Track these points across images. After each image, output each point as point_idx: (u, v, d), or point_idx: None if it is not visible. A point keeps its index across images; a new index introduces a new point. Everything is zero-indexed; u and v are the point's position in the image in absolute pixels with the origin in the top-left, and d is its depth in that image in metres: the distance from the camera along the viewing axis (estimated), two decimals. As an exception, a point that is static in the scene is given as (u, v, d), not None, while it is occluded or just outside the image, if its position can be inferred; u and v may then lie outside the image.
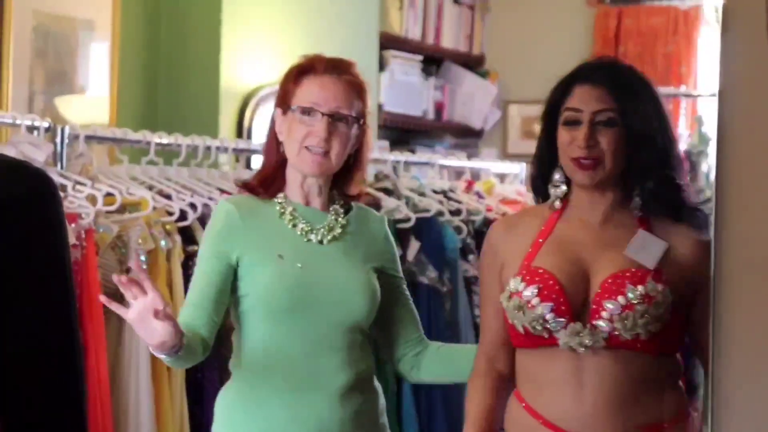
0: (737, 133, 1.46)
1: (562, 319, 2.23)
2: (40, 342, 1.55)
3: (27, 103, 4.03)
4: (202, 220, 3.28)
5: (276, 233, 2.49)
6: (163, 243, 3.13)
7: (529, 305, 2.23)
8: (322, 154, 2.45)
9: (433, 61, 6.38)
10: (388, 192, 4.09)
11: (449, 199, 4.34)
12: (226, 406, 2.53)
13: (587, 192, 2.31)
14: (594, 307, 2.23)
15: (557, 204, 2.34)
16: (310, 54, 2.57)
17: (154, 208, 3.15)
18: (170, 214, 3.21)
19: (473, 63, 6.65)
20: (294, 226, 2.50)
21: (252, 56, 4.77)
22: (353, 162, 2.54)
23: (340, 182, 2.55)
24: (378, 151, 5.06)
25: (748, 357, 1.44)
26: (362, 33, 5.47)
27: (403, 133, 6.09)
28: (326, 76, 2.48)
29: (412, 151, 5.40)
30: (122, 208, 3.13)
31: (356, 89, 2.50)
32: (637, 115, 2.28)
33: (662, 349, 2.27)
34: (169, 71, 4.65)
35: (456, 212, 4.27)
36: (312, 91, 2.47)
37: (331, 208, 2.54)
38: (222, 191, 3.46)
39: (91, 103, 4.34)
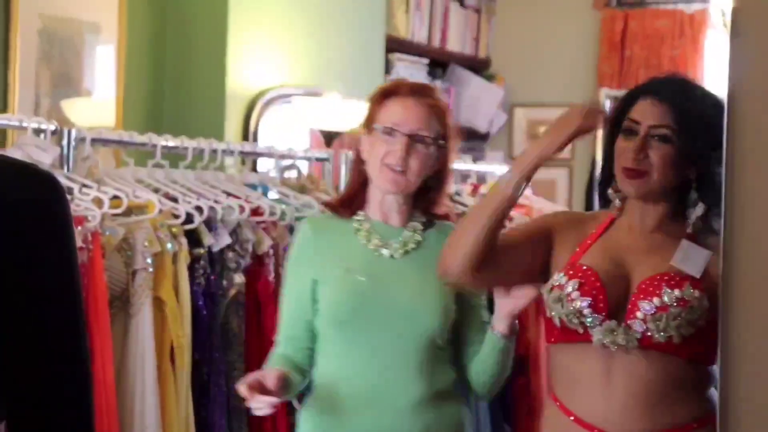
0: (746, 137, 1.45)
1: (599, 316, 2.28)
2: (47, 344, 1.55)
3: (33, 105, 4.04)
4: (208, 223, 3.28)
5: (348, 249, 2.61)
6: (169, 246, 3.12)
7: (569, 298, 2.29)
8: (400, 172, 2.57)
9: (439, 64, 6.38)
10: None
11: (455, 202, 4.34)
12: (304, 417, 2.65)
13: (639, 201, 2.38)
14: (630, 306, 2.29)
15: (614, 209, 2.42)
16: (396, 79, 2.74)
17: (161, 211, 3.15)
18: (176, 216, 3.20)
19: (479, 66, 6.65)
20: (368, 241, 2.62)
21: (258, 59, 4.77)
22: (434, 182, 2.65)
23: (424, 201, 2.66)
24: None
25: (757, 357, 1.43)
26: (368, 36, 5.47)
27: (409, 136, 6.09)
28: (408, 99, 2.60)
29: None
30: (128, 211, 3.12)
31: (437, 112, 2.61)
32: (694, 137, 2.31)
33: (695, 356, 2.31)
34: (175, 74, 4.66)
35: (462, 215, 4.26)
36: (394, 112, 2.59)
37: (409, 224, 2.65)
38: (228, 194, 3.46)
39: (97, 105, 4.34)
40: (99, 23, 4.33)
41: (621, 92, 5.08)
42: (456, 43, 6.44)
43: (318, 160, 4.22)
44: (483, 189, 4.72)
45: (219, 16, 4.63)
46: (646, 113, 2.34)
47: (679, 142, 2.31)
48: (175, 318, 3.10)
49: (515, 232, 2.49)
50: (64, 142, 3.15)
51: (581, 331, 2.30)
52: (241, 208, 3.37)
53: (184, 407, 3.14)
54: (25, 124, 3.09)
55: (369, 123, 2.63)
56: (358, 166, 2.66)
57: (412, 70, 5.98)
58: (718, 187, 2.27)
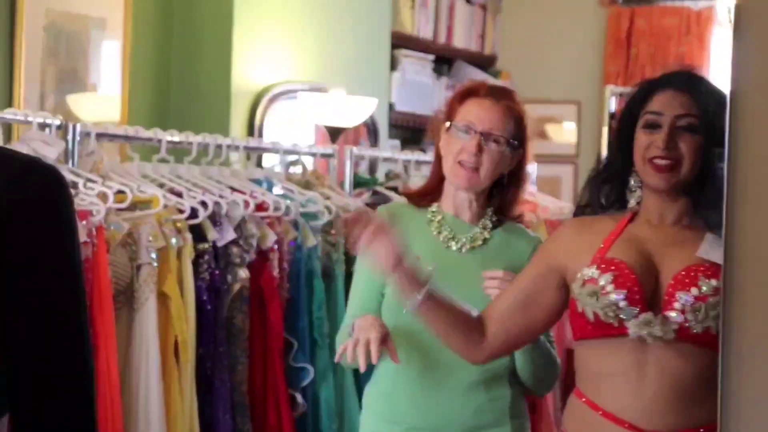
0: (749, 135, 1.45)
1: (635, 308, 2.24)
2: (50, 339, 1.56)
3: (39, 101, 4.05)
4: (213, 218, 3.28)
5: (419, 238, 2.67)
6: (173, 241, 3.13)
7: (603, 291, 2.25)
8: (472, 169, 2.65)
9: (445, 61, 6.38)
10: (398, 191, 4.09)
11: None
12: (366, 395, 2.76)
13: (660, 197, 2.34)
14: (666, 298, 2.25)
15: (629, 210, 2.38)
16: (478, 80, 2.92)
17: (165, 206, 3.15)
18: (181, 211, 3.21)
19: (485, 62, 6.65)
20: (438, 233, 2.71)
21: (263, 55, 4.77)
22: (509, 182, 2.73)
23: (497, 201, 2.74)
24: (389, 150, 5.06)
25: (758, 352, 1.43)
26: (374, 32, 5.47)
27: (415, 132, 6.09)
28: (486, 100, 2.69)
29: (423, 150, 5.40)
30: (133, 206, 3.13)
31: (513, 114, 2.69)
32: (719, 125, 2.23)
33: None
34: (181, 69, 4.66)
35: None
36: (471, 112, 2.68)
37: (480, 222, 2.72)
38: (233, 189, 3.46)
39: (102, 101, 4.35)
40: (105, 19, 4.33)
41: (627, 89, 5.09)
42: (462, 39, 6.44)
43: (323, 155, 4.22)
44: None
45: (225, 12, 4.63)
46: (669, 104, 2.32)
47: (705, 131, 2.28)
48: (179, 313, 3.10)
49: (513, 291, 2.42)
50: (69, 136, 3.16)
51: (616, 324, 2.26)
52: (246, 204, 3.38)
53: (188, 402, 3.15)
54: (30, 119, 3.09)
55: (448, 119, 2.71)
56: (438, 161, 2.75)
57: (417, 66, 5.98)
58: (720, 182, 2.29)
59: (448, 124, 2.70)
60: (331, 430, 3.59)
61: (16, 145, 3.03)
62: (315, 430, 3.58)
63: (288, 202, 3.56)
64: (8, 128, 3.72)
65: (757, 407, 1.38)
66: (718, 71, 6.24)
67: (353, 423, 3.50)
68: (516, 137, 2.68)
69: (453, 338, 2.39)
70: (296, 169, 3.95)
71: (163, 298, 3.09)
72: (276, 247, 3.46)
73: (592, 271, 2.28)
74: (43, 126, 3.10)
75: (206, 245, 3.25)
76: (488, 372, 2.64)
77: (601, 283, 2.26)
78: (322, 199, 3.70)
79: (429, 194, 2.75)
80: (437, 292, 2.34)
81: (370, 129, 5.39)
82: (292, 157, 3.98)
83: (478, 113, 2.66)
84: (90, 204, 2.95)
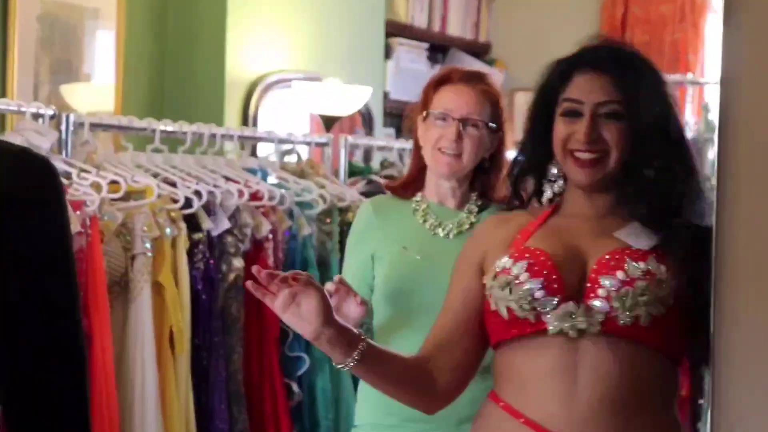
0: (740, 121, 1.45)
1: (554, 298, 1.97)
2: (43, 329, 1.56)
3: (32, 91, 4.04)
4: (207, 208, 3.28)
5: (406, 228, 2.68)
6: (168, 230, 3.13)
7: (517, 281, 1.98)
8: (453, 156, 2.63)
9: (439, 49, 6.37)
10: (393, 179, 4.09)
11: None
12: (362, 387, 2.73)
13: (584, 191, 2.09)
14: (589, 285, 1.98)
15: (548, 196, 2.13)
16: (450, 66, 2.85)
17: (159, 196, 3.15)
18: (175, 201, 3.21)
19: (479, 51, 6.64)
20: (424, 221, 2.70)
21: (258, 44, 4.76)
22: (490, 166, 2.71)
23: (481, 185, 2.72)
24: (383, 139, 5.05)
25: (750, 350, 1.43)
26: (368, 20, 5.46)
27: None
28: (461, 85, 2.67)
29: (418, 139, 5.39)
30: (127, 196, 3.13)
31: (489, 97, 2.67)
32: (645, 107, 2.04)
33: (664, 344, 2.00)
34: (175, 59, 4.65)
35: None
36: (447, 98, 2.66)
37: (465, 207, 2.71)
38: (227, 179, 3.46)
39: (96, 91, 4.34)
40: (99, 8, 4.32)
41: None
42: (456, 27, 6.43)
43: (317, 144, 4.22)
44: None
45: (219, 1, 4.62)
46: (588, 89, 2.05)
47: (631, 116, 2.03)
48: (174, 303, 3.10)
49: (447, 315, 2.13)
50: (63, 127, 3.16)
51: (533, 319, 1.98)
52: (240, 193, 3.38)
53: (183, 392, 3.15)
54: (23, 109, 3.09)
55: (423, 109, 2.70)
56: (417, 151, 2.74)
57: (412, 54, 5.97)
58: (650, 174, 2.03)
59: (424, 113, 2.68)
60: (326, 419, 3.59)
61: (10, 136, 3.03)
62: (311, 419, 3.58)
63: (283, 191, 3.56)
64: (2, 118, 3.72)
65: (749, 400, 1.39)
66: (713, 58, 6.24)
67: (349, 412, 3.50)
68: (494, 120, 2.66)
69: (401, 394, 2.12)
70: (291, 159, 3.95)
71: (157, 288, 3.09)
72: (271, 236, 3.46)
73: (504, 261, 2.02)
74: (36, 116, 3.09)
75: (201, 235, 3.25)
76: (483, 361, 2.64)
77: (515, 272, 1.99)
78: (316, 188, 3.70)
79: (411, 185, 2.74)
80: (372, 349, 2.00)
81: (365, 118, 5.39)
82: (286, 147, 3.98)
83: (454, 99, 2.65)
84: (84, 194, 2.95)
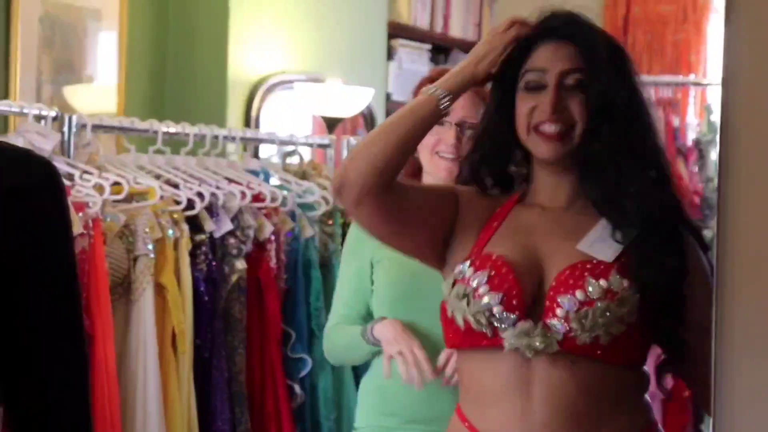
0: (741, 122, 1.45)
1: (512, 315, 1.87)
2: (44, 330, 1.56)
3: (35, 92, 4.04)
4: (210, 209, 3.28)
5: None
6: (170, 232, 3.13)
7: (476, 294, 1.88)
8: (451, 159, 2.62)
9: (442, 50, 6.37)
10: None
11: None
12: (362, 389, 2.75)
13: (549, 172, 1.98)
14: (548, 303, 1.88)
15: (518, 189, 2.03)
16: (440, 67, 2.72)
17: (162, 197, 3.16)
18: (178, 203, 3.21)
19: (482, 52, 6.63)
20: None
21: (260, 45, 4.77)
22: None
23: None
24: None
25: (752, 352, 1.43)
26: (370, 21, 5.46)
27: (412, 121, 6.07)
28: None
29: (420, 140, 5.39)
30: (129, 197, 3.13)
31: (483, 97, 2.62)
32: (612, 80, 1.93)
33: (624, 359, 1.93)
34: (177, 60, 4.66)
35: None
36: None
37: None
38: (230, 180, 3.46)
39: (98, 92, 4.34)
40: (100, 9, 4.33)
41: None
42: (458, 28, 6.43)
43: (320, 146, 4.22)
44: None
45: (220, 2, 4.62)
46: (553, 58, 1.94)
47: (596, 88, 1.92)
48: (176, 304, 3.10)
49: (419, 184, 2.05)
50: (65, 128, 3.16)
51: (490, 334, 1.88)
52: (243, 195, 3.38)
53: (185, 393, 3.15)
54: (26, 111, 3.09)
55: None
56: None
57: (414, 55, 5.97)
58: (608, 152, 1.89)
59: None
60: (328, 420, 3.59)
61: (12, 137, 3.03)
62: (313, 420, 3.58)
63: (285, 192, 3.56)
64: (4, 120, 3.72)
65: (751, 404, 1.39)
66: (715, 58, 6.23)
67: (351, 413, 3.50)
68: None
69: (401, 147, 1.95)
70: (293, 160, 3.95)
71: (160, 289, 3.09)
72: (273, 237, 3.46)
73: (464, 269, 1.92)
74: (39, 117, 3.09)
75: (203, 236, 3.25)
76: None
77: (474, 284, 1.89)
78: (319, 190, 3.70)
79: None
80: None
81: (367, 119, 5.39)
82: (288, 148, 3.98)
83: None
84: (86, 196, 2.95)
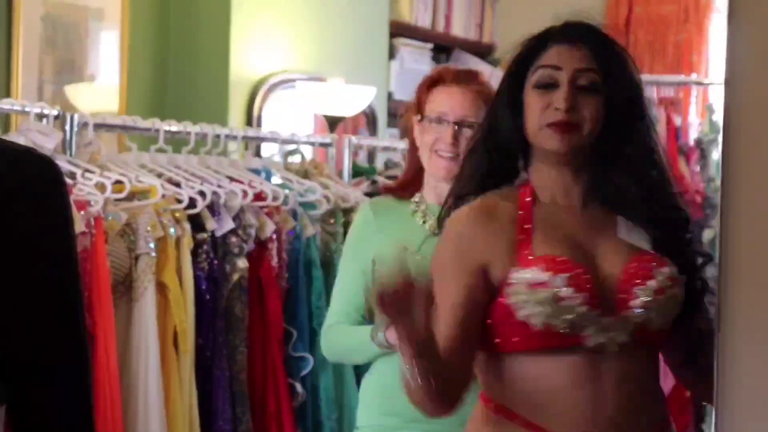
0: (744, 122, 1.45)
1: (595, 312, 1.91)
2: (46, 329, 1.56)
3: (36, 91, 4.04)
4: (211, 208, 3.28)
5: (406, 228, 2.68)
6: (172, 231, 3.13)
7: (559, 298, 1.89)
8: (449, 158, 2.63)
9: (443, 50, 6.37)
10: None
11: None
12: (364, 389, 2.75)
13: (559, 168, 2.00)
14: (622, 295, 1.93)
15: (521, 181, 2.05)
16: (441, 66, 2.92)
17: (163, 196, 3.15)
18: (179, 201, 3.21)
19: (483, 51, 6.63)
20: (424, 222, 2.69)
21: (262, 44, 4.77)
22: None
23: None
24: (387, 139, 5.05)
25: (755, 350, 1.43)
26: (372, 20, 5.46)
27: (413, 121, 6.07)
28: (454, 86, 2.67)
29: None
30: (131, 196, 3.13)
31: (483, 97, 2.65)
32: (622, 83, 1.98)
33: (663, 344, 2.02)
34: (179, 59, 4.66)
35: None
36: (441, 101, 2.67)
37: None
38: (231, 179, 3.46)
39: (100, 91, 4.34)
40: (102, 9, 4.33)
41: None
42: (460, 28, 6.43)
43: (321, 145, 4.22)
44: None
45: (222, 1, 4.62)
46: (567, 57, 1.97)
47: (607, 90, 1.96)
48: (178, 303, 3.10)
49: (448, 313, 1.95)
50: (67, 127, 3.16)
51: (570, 333, 1.91)
52: (244, 193, 3.38)
53: (187, 392, 3.15)
54: (27, 110, 3.09)
55: (418, 112, 2.70)
56: (414, 151, 2.74)
57: (416, 55, 5.97)
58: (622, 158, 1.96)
59: (419, 116, 2.69)
60: (330, 419, 3.59)
61: (14, 136, 3.03)
62: (314, 419, 3.58)
63: (286, 191, 3.56)
64: (6, 119, 3.72)
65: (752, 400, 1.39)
66: (717, 58, 6.23)
67: (352, 412, 3.49)
68: None
69: (428, 388, 1.94)
70: (295, 159, 3.95)
71: (161, 288, 3.09)
72: (274, 236, 3.46)
73: (538, 273, 1.91)
74: (40, 116, 3.10)
75: (205, 235, 3.25)
76: None
77: (556, 285, 1.90)
78: (320, 189, 3.69)
79: (410, 186, 2.74)
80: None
81: (369, 118, 5.39)
82: (290, 147, 3.98)
83: (448, 102, 2.65)
84: (88, 194, 2.95)
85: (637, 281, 1.93)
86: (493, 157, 2.03)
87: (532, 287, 1.91)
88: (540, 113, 1.97)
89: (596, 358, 1.92)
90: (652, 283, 1.93)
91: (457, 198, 2.07)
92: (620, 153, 1.99)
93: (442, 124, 2.64)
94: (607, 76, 1.97)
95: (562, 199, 2.01)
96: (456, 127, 2.63)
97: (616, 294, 1.94)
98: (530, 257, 1.94)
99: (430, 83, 2.70)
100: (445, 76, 2.69)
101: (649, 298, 1.92)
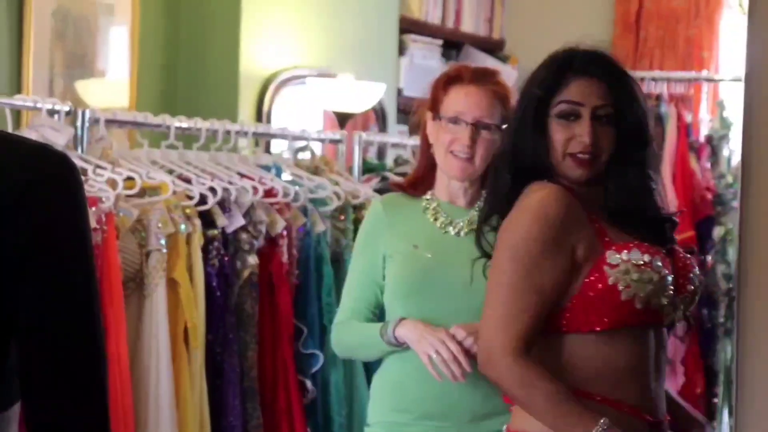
0: (763, 118, 1.44)
1: (673, 291, 2.19)
2: (61, 324, 1.55)
3: (47, 86, 4.04)
4: (222, 205, 3.28)
5: (416, 226, 2.67)
6: (183, 227, 3.13)
7: (661, 276, 2.14)
8: (465, 159, 2.62)
9: (453, 46, 6.36)
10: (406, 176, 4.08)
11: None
12: (374, 385, 2.74)
13: (578, 187, 2.22)
14: (682, 281, 2.21)
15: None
16: (458, 64, 2.88)
17: (174, 192, 3.15)
18: (190, 198, 3.20)
19: (493, 47, 6.62)
20: (435, 219, 2.68)
21: (272, 40, 4.76)
22: None
23: None
24: (397, 136, 5.05)
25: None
26: (382, 16, 5.45)
27: (423, 117, 6.06)
28: (471, 86, 2.64)
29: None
30: (142, 192, 3.13)
31: (500, 97, 2.65)
32: (631, 113, 2.23)
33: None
34: (189, 55, 4.65)
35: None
36: (458, 101, 2.64)
37: (476, 205, 2.67)
38: (242, 175, 3.46)
39: (111, 86, 4.34)
40: (113, 4, 4.32)
41: (636, 73, 5.07)
42: (470, 24, 6.42)
43: (331, 141, 4.21)
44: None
45: (232, -3, 4.62)
46: (587, 93, 2.19)
47: (619, 121, 2.21)
48: (188, 299, 3.10)
49: (534, 297, 2.14)
50: (78, 123, 3.15)
51: (664, 310, 2.18)
52: (255, 190, 3.37)
53: (198, 388, 3.15)
54: (39, 105, 3.09)
55: (434, 109, 2.67)
56: (426, 148, 2.72)
57: (425, 51, 5.96)
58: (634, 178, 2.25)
59: (434, 114, 2.66)
60: (340, 415, 3.59)
61: (25, 132, 3.03)
62: (325, 415, 3.58)
63: (297, 188, 3.56)
64: (17, 114, 3.72)
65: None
66: (728, 54, 6.21)
67: (362, 409, 3.50)
68: (505, 120, 2.63)
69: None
70: (305, 155, 3.95)
71: (172, 284, 3.09)
72: (285, 233, 3.46)
73: (636, 255, 2.14)
74: (52, 112, 3.09)
75: (215, 231, 3.25)
76: None
77: (657, 267, 2.14)
78: (330, 185, 3.69)
79: (421, 183, 2.72)
80: None
81: (379, 114, 5.38)
82: (300, 143, 3.97)
83: (465, 102, 2.62)
84: (99, 190, 2.95)
85: (689, 267, 2.23)
86: (520, 176, 2.23)
87: (640, 268, 2.12)
88: (564, 143, 2.19)
89: (658, 333, 2.19)
90: (696, 270, 2.24)
91: (488, 215, 2.30)
92: (635, 169, 2.24)
93: (459, 125, 2.62)
94: (621, 108, 2.21)
95: (590, 207, 2.24)
96: (473, 128, 2.61)
97: (678, 279, 2.20)
98: (615, 243, 2.16)
99: (447, 81, 2.67)
100: (463, 74, 2.66)
101: (698, 283, 2.24)
